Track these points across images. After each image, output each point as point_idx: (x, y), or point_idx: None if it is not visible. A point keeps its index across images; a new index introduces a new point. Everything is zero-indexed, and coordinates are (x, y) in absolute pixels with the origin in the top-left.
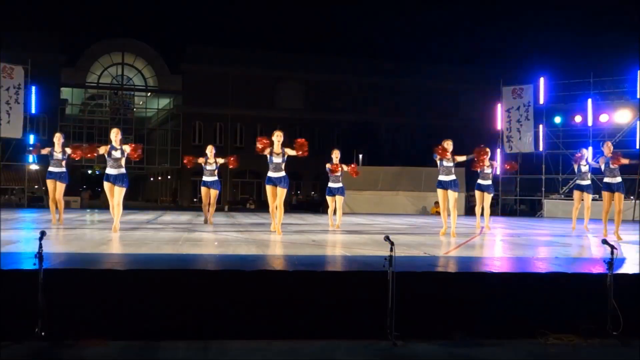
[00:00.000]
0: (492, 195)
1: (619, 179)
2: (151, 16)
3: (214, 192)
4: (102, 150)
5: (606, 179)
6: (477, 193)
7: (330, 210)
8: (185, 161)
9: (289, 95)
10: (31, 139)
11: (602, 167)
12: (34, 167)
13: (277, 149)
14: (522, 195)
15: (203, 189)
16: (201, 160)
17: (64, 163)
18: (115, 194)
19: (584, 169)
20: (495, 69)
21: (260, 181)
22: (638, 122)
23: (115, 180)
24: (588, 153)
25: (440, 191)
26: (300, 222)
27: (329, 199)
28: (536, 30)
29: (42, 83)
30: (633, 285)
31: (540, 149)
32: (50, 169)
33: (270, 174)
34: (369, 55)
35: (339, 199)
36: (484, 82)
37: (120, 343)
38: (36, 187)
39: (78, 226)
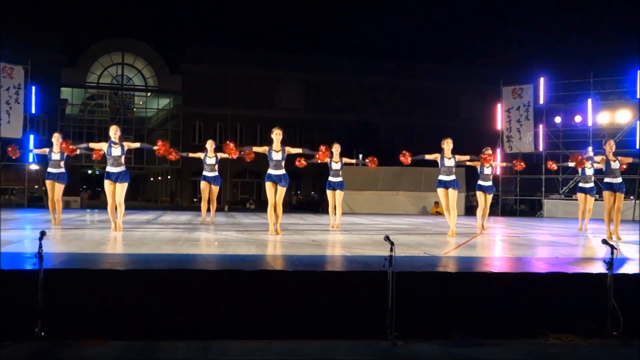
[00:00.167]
0: (492, 195)
1: (619, 179)
2: (151, 16)
3: (214, 188)
4: (97, 146)
5: (607, 179)
6: (479, 194)
7: (330, 208)
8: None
9: (289, 95)
10: (31, 139)
11: (603, 167)
12: (34, 167)
13: (276, 147)
14: (522, 195)
15: (203, 184)
16: (199, 154)
17: (62, 163)
18: (117, 191)
19: (589, 172)
20: (495, 69)
21: (260, 181)
22: (638, 122)
23: (116, 177)
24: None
25: (441, 190)
26: (300, 222)
27: (329, 193)
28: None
29: (42, 83)
30: (633, 285)
31: (540, 149)
32: (49, 169)
33: (270, 171)
34: (369, 55)
35: (338, 193)
36: (484, 82)
37: (120, 343)
38: (36, 187)
39: (78, 226)
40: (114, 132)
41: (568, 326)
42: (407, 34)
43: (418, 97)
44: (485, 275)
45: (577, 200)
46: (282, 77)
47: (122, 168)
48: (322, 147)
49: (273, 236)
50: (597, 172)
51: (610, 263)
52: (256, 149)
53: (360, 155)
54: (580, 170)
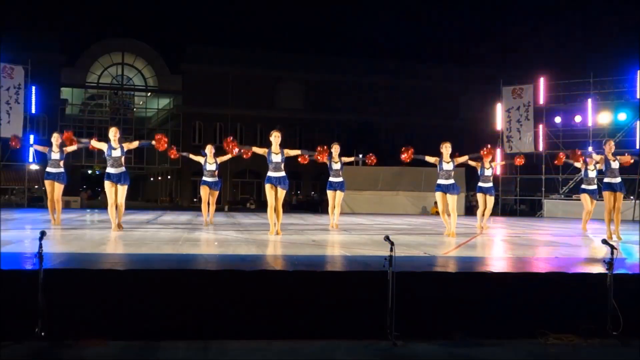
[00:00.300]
0: (493, 196)
1: (619, 179)
2: (151, 16)
3: (214, 192)
4: (97, 145)
5: (607, 179)
6: (480, 196)
7: (330, 208)
8: (170, 151)
9: (289, 95)
10: (31, 139)
11: (603, 167)
12: (34, 167)
13: (275, 149)
14: (522, 195)
15: (203, 188)
16: (199, 158)
17: (61, 163)
18: (118, 193)
19: (591, 174)
20: (495, 69)
21: (260, 181)
22: (638, 122)
23: (116, 179)
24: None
25: (439, 194)
26: (300, 222)
27: (329, 193)
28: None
29: (42, 83)
30: (633, 285)
31: (540, 149)
32: (48, 169)
33: (270, 173)
34: (369, 55)
35: (339, 194)
36: (484, 82)
37: (120, 343)
38: (36, 187)
39: (78, 226)
40: (114, 134)
41: (568, 326)
42: (407, 34)
43: (418, 97)
44: (485, 275)
45: (577, 200)
46: (282, 77)
47: (123, 169)
48: (319, 148)
49: (273, 236)
50: (599, 173)
51: (610, 263)
52: (256, 149)
53: (360, 155)
54: (583, 171)
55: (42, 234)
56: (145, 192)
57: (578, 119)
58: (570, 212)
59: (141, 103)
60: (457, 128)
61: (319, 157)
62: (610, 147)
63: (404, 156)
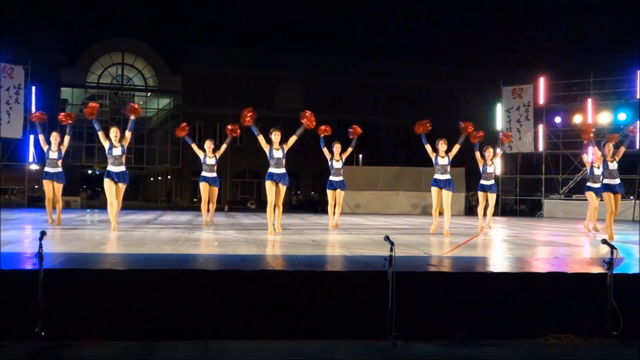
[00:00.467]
0: (495, 194)
1: (617, 180)
2: (151, 16)
3: (214, 189)
4: (102, 138)
5: (606, 180)
6: (481, 194)
7: (330, 207)
8: (181, 127)
9: (289, 95)
10: (31, 139)
11: (600, 166)
12: (34, 167)
13: (276, 145)
14: (522, 195)
15: (203, 185)
16: (199, 152)
17: (60, 162)
18: (118, 191)
19: (597, 171)
20: (495, 69)
21: (260, 181)
22: (638, 122)
23: (117, 177)
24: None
25: (434, 189)
26: (300, 222)
27: (329, 192)
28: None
29: (42, 83)
30: (633, 285)
31: (540, 149)
32: (47, 169)
33: (271, 169)
34: (369, 55)
35: (339, 193)
36: (484, 82)
37: (120, 343)
38: (36, 187)
39: (78, 226)
40: (115, 134)
41: (568, 326)
42: (408, 34)
43: (418, 97)
44: (485, 275)
45: (577, 200)
46: (282, 77)
47: (123, 168)
48: (302, 113)
49: (273, 236)
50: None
51: (610, 263)
52: (262, 139)
53: (353, 142)
54: (589, 169)
55: (42, 234)
56: (145, 192)
57: (578, 119)
58: (570, 212)
59: (141, 103)
60: (457, 128)
61: (307, 123)
62: (609, 148)
63: (418, 127)
